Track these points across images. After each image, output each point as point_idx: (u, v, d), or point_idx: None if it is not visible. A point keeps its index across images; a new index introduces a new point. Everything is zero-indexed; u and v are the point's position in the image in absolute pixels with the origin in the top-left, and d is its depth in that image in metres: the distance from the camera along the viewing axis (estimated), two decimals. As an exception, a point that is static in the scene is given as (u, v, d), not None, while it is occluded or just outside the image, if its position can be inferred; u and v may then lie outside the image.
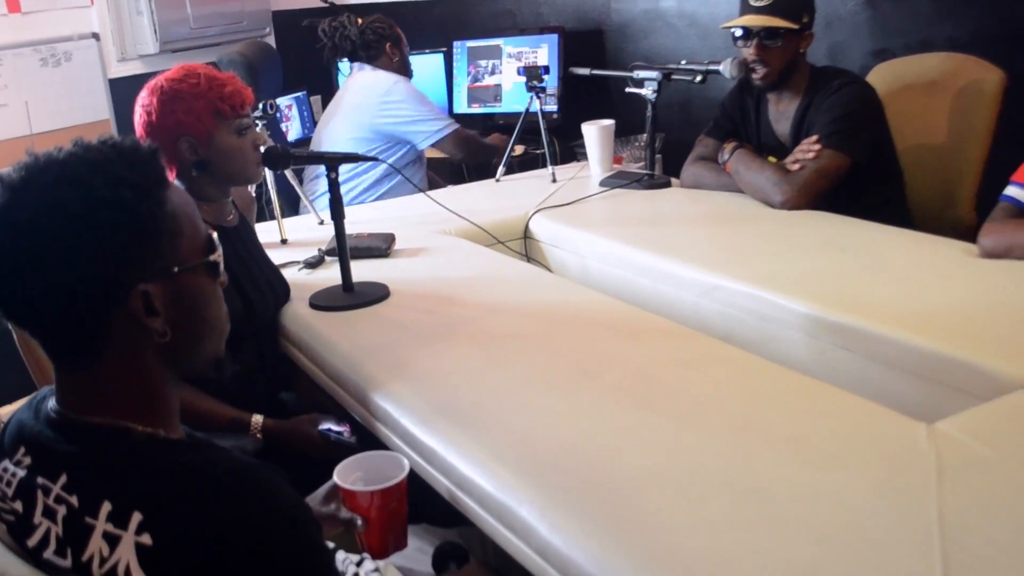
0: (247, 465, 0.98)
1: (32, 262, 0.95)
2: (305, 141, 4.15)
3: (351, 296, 2.02)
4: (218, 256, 1.07)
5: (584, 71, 2.94)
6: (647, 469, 1.29)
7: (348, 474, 1.38)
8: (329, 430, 1.77)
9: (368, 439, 1.65)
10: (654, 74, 2.68)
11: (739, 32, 2.45)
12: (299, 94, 4.19)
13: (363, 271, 2.13)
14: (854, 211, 2.30)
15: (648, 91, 2.70)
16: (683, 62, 2.68)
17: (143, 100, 1.85)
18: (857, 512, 1.13)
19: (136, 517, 0.91)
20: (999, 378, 1.45)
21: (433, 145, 3.39)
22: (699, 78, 2.60)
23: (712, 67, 2.55)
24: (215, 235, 1.08)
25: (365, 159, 2.07)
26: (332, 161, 1.97)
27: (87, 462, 0.97)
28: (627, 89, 2.75)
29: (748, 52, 2.44)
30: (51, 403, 1.04)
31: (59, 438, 1.00)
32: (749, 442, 1.32)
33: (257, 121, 2.00)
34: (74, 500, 0.95)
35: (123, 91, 3.77)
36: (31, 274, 0.95)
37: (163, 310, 1.00)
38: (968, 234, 2.28)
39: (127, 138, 1.03)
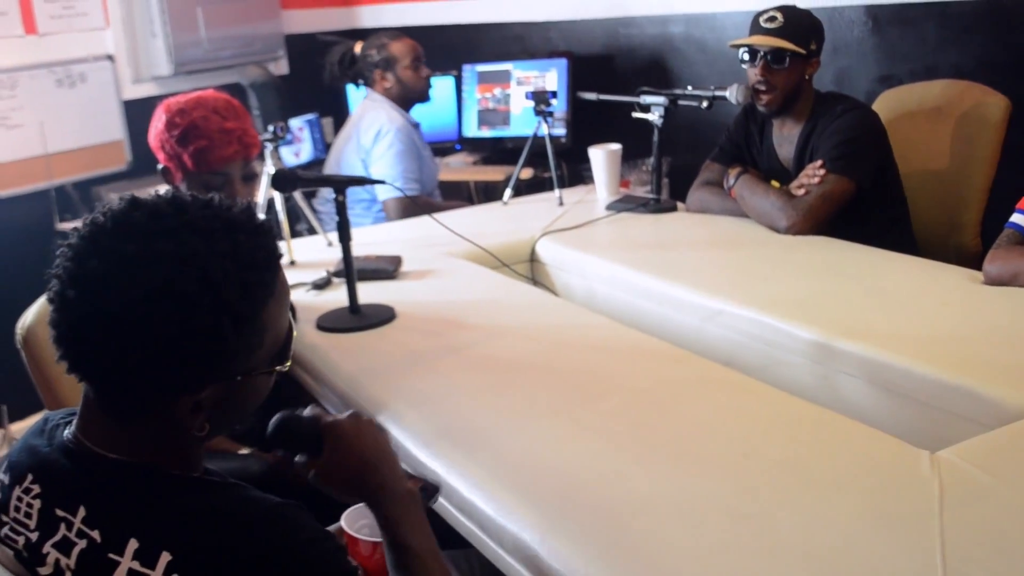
0: (275, 506, 0.98)
1: (103, 340, 0.94)
2: (316, 163, 4.18)
3: (357, 318, 2.03)
4: (287, 366, 1.06)
5: (591, 96, 2.96)
6: (648, 494, 1.29)
7: (356, 520, 1.35)
8: None
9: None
10: (661, 99, 2.69)
11: (746, 55, 2.46)
12: (311, 116, 4.23)
13: (370, 293, 2.14)
14: (858, 237, 2.30)
15: (655, 116, 2.71)
16: (689, 88, 2.70)
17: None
18: (859, 540, 1.13)
19: (165, 557, 0.92)
20: (1003, 407, 1.45)
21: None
22: (705, 104, 2.61)
23: (718, 93, 2.56)
24: (293, 334, 1.07)
25: (373, 182, 2.09)
26: (340, 184, 1.99)
27: (109, 497, 0.97)
28: (634, 114, 2.77)
29: (754, 73, 2.46)
30: (68, 432, 1.03)
31: (76, 469, 1.00)
32: (750, 468, 1.33)
33: (254, 165, 1.97)
34: (96, 535, 0.95)
35: (137, 112, 3.80)
36: (95, 346, 0.95)
37: (208, 409, 1.00)
38: (972, 261, 2.29)
39: (248, 231, 1.00)
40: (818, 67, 2.48)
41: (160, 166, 1.96)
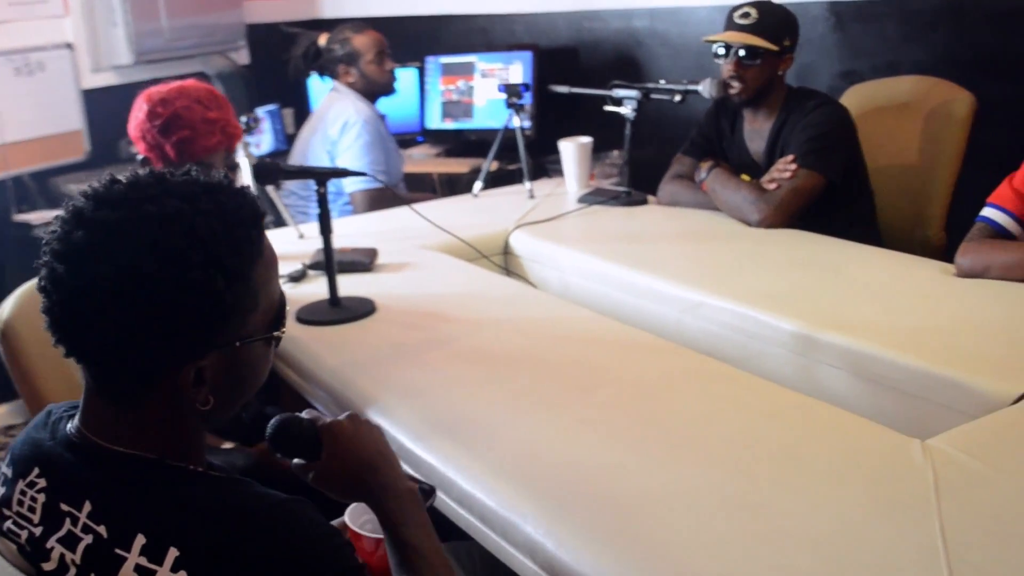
0: (281, 502, 0.98)
1: (98, 313, 0.93)
2: (277, 154, 4.13)
3: (338, 311, 2.02)
4: (284, 331, 1.06)
5: (563, 89, 2.96)
6: (649, 484, 1.31)
7: (359, 516, 1.33)
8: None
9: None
10: (633, 93, 2.71)
11: (720, 50, 2.49)
12: (271, 107, 4.18)
13: (347, 286, 2.12)
14: (825, 230, 2.34)
15: (627, 110, 2.73)
16: (662, 81, 2.72)
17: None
18: (860, 527, 1.16)
19: (172, 553, 0.91)
20: (985, 395, 1.49)
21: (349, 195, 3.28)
22: (678, 97, 2.63)
23: (691, 87, 2.58)
24: (287, 302, 1.07)
25: (355, 174, 2.08)
26: (321, 175, 1.98)
27: (115, 491, 0.96)
28: (606, 107, 2.78)
29: (726, 68, 2.48)
30: (71, 425, 1.02)
31: (80, 463, 0.99)
32: (748, 458, 1.35)
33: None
34: (102, 530, 0.94)
35: (96, 102, 3.73)
36: (91, 321, 0.94)
37: (211, 380, 0.99)
38: (937, 254, 2.34)
39: (229, 193, 1.00)
40: (791, 63, 2.51)
41: (140, 156, 1.93)
